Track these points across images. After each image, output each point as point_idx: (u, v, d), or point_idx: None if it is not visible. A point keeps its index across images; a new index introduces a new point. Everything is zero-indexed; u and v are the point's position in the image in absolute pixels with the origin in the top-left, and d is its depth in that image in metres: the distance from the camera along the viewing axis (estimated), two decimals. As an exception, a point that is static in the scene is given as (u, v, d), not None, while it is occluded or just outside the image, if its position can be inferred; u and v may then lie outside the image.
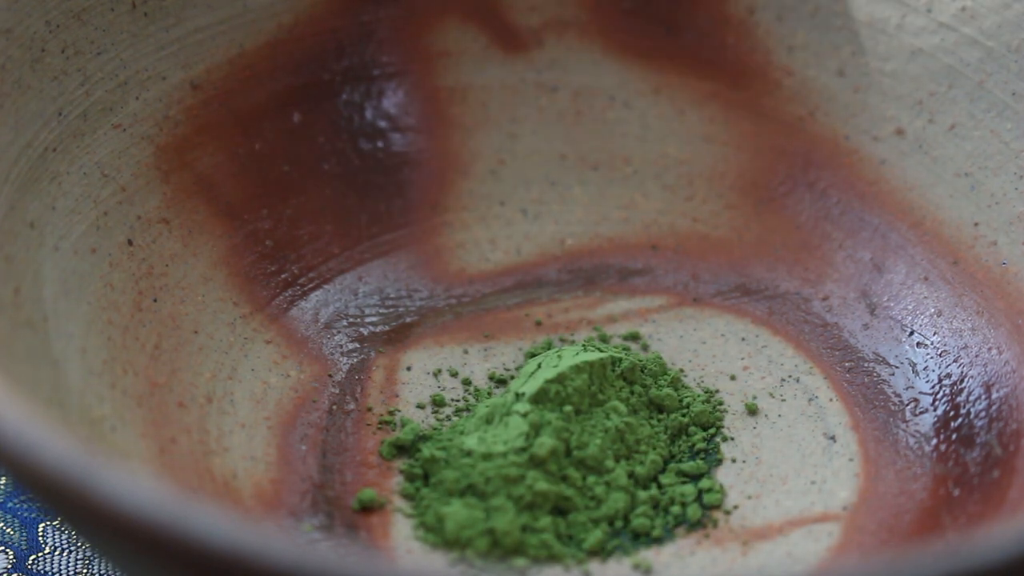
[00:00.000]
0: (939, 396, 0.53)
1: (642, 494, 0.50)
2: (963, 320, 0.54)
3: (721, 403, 0.54)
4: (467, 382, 0.54)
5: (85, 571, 0.53)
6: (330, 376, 0.54)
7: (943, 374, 0.54)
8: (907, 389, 0.54)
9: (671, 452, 0.52)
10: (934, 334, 0.55)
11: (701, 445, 0.52)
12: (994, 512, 0.48)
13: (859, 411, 0.53)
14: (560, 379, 0.51)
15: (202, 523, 0.37)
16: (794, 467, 0.52)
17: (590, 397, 0.51)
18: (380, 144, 0.59)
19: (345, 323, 0.56)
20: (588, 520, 0.49)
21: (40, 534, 0.54)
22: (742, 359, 0.55)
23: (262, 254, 0.56)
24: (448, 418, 0.53)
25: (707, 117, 0.59)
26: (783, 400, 0.54)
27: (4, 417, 0.39)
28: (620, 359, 0.52)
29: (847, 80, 0.58)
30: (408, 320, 0.56)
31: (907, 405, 0.53)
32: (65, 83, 0.52)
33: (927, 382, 0.54)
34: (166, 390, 0.51)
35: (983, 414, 0.52)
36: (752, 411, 0.53)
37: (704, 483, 0.51)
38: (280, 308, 0.55)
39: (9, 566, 0.53)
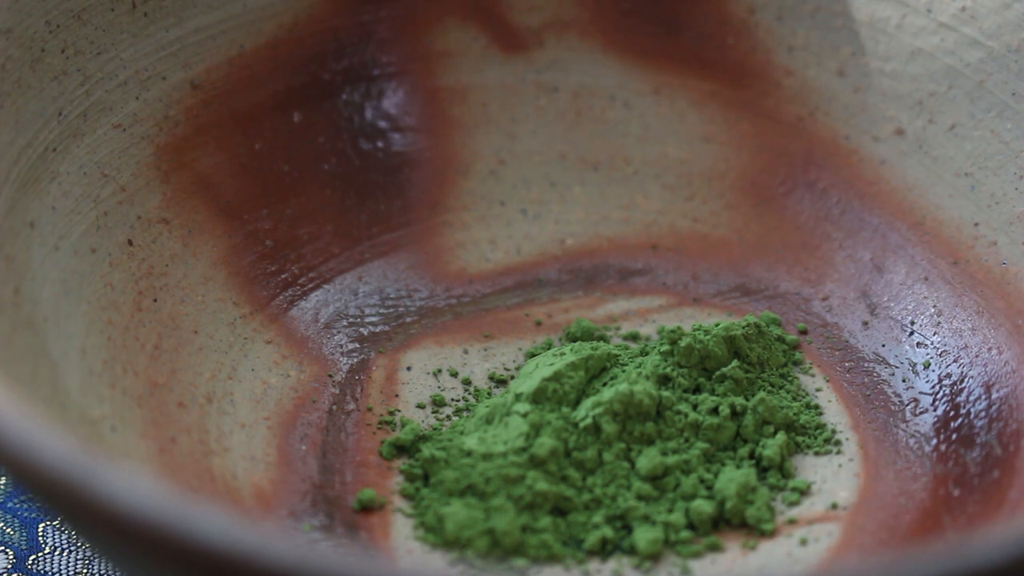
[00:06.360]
0: (939, 396, 0.53)
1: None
2: (963, 320, 0.54)
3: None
4: (467, 382, 0.54)
5: (85, 571, 0.53)
6: (330, 376, 0.54)
7: (943, 374, 0.54)
8: (907, 389, 0.54)
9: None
10: (934, 334, 0.55)
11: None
12: (994, 512, 0.48)
13: (859, 411, 0.53)
14: (556, 377, 0.51)
15: (202, 523, 0.37)
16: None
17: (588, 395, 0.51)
18: (380, 144, 0.59)
19: (345, 323, 0.56)
20: (588, 520, 0.49)
21: (40, 534, 0.54)
22: (742, 359, 0.55)
23: (262, 254, 0.56)
24: (448, 418, 0.53)
25: (707, 117, 0.59)
26: (783, 400, 0.54)
27: (4, 417, 0.39)
28: (618, 356, 0.52)
29: (847, 80, 0.58)
30: (408, 320, 0.56)
31: (907, 405, 0.53)
32: (65, 83, 0.52)
33: (927, 382, 0.54)
34: (166, 390, 0.51)
35: (983, 414, 0.51)
36: (752, 411, 0.53)
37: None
38: (280, 308, 0.55)
39: (9, 566, 0.53)
